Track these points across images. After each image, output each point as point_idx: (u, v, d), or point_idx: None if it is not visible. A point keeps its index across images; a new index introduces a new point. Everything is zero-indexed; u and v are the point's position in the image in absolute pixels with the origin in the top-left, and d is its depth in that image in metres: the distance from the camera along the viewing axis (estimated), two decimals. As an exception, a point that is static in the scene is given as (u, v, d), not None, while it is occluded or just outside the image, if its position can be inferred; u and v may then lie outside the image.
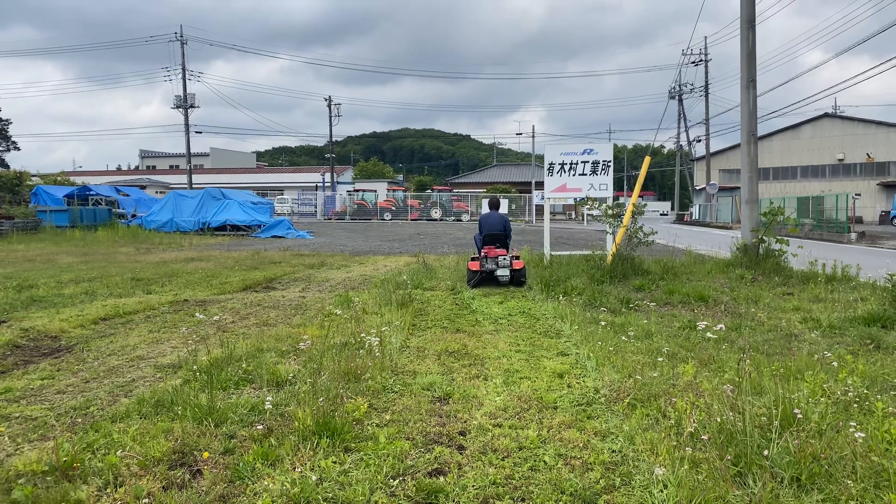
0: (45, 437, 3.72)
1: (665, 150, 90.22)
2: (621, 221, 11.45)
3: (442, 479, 3.13)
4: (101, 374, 5.14)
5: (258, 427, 3.67)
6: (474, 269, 10.13)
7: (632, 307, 7.99)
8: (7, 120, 47.07)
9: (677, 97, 52.49)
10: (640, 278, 10.12)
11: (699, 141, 53.53)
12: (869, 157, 48.59)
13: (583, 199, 12.58)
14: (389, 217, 47.01)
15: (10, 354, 5.83)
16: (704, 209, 50.99)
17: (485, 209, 11.43)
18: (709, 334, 5.68)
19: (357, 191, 51.62)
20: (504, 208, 44.32)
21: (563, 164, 12.54)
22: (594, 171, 12.41)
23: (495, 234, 10.43)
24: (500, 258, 10.02)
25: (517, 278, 10.15)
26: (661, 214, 72.63)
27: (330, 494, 2.96)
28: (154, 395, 4.31)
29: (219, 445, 3.50)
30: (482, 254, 10.23)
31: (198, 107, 45.63)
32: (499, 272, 10.02)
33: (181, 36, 44.14)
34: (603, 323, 6.58)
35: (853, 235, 24.62)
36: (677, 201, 61.07)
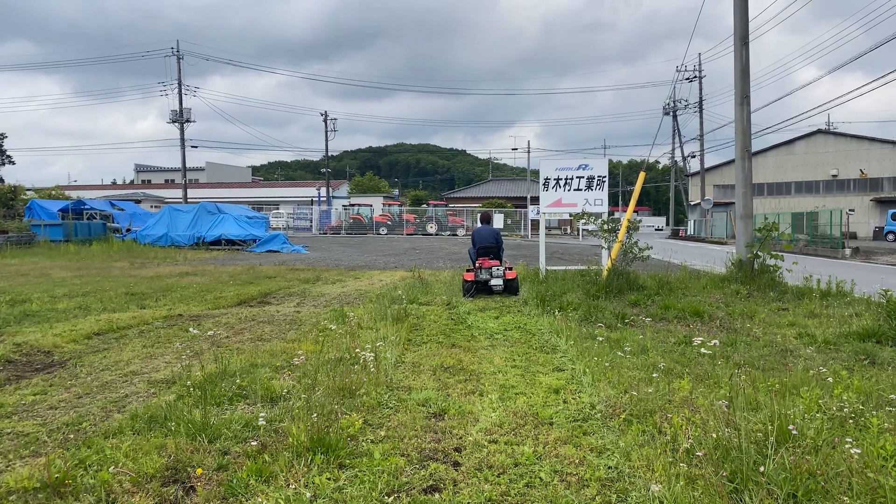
0: (36, 453, 3.69)
1: (660, 166, 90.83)
2: (616, 236, 11.50)
3: (437, 495, 3.11)
4: (94, 390, 5.10)
5: (252, 443, 3.65)
6: (469, 279, 10.66)
7: (627, 322, 7.99)
8: (2, 134, 47.01)
9: (672, 113, 52.81)
10: (635, 293, 10.13)
11: (694, 157, 53.84)
12: (862, 173, 48.94)
13: (578, 213, 12.66)
14: (385, 231, 47.01)
15: (2, 370, 5.79)
16: (699, 224, 51.23)
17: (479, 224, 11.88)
18: (704, 350, 5.70)
19: (353, 205, 51.75)
20: (499, 223, 44.69)
21: (558, 180, 12.64)
22: (589, 187, 12.52)
23: (488, 247, 10.94)
24: (494, 268, 10.57)
25: (511, 287, 10.65)
26: (656, 229, 72.85)
27: (324, 511, 2.94)
28: (147, 410, 4.28)
29: (212, 462, 3.47)
30: (476, 265, 10.76)
31: (194, 121, 45.82)
32: (493, 281, 10.56)
33: (178, 51, 44.29)
34: (599, 338, 6.58)
35: (847, 251, 24.73)
36: (672, 216, 61.36)
